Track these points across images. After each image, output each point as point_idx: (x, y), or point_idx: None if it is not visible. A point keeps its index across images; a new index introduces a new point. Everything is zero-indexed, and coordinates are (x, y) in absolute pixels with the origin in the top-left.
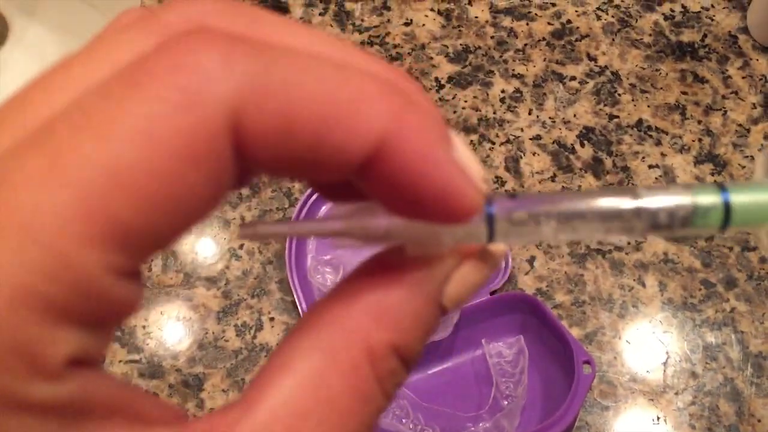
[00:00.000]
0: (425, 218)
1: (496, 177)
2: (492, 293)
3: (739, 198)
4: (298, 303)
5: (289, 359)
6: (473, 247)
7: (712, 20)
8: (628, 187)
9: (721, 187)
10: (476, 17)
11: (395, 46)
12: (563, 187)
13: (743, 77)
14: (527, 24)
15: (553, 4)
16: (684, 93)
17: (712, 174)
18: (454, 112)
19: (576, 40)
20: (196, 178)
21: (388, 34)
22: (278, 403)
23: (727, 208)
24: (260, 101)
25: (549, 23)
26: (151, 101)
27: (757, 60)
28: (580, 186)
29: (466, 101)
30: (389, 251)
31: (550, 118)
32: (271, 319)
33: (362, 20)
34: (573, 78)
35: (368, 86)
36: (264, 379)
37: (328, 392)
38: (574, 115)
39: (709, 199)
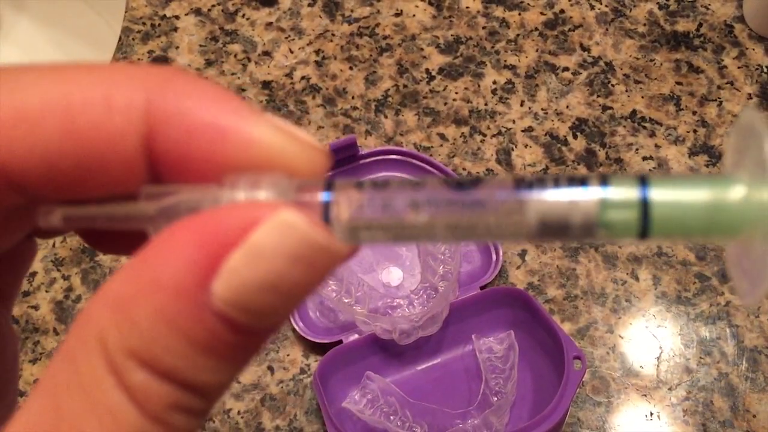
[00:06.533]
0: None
1: (488, 170)
2: (482, 288)
3: (664, 196)
4: None
5: (46, 367)
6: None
7: (708, 9)
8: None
9: (642, 181)
10: (467, 7)
11: (385, 38)
12: None
13: (739, 67)
14: (519, 14)
15: None
16: (679, 83)
17: (707, 165)
18: (445, 103)
19: (569, 30)
20: None
21: (378, 25)
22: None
23: (645, 209)
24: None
25: (542, 13)
26: None
27: (753, 50)
28: None
29: (457, 93)
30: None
31: (542, 109)
32: None
33: (351, 11)
34: (566, 69)
35: (118, 75)
36: (28, 396)
37: (72, 418)
38: (567, 107)
39: (621, 194)
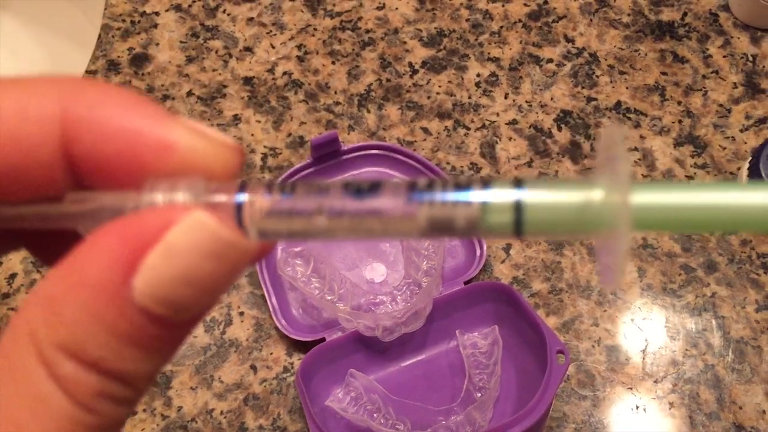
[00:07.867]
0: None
1: (471, 163)
2: (466, 283)
3: (537, 197)
4: (267, 297)
5: None
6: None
7: None
8: (405, 181)
9: (517, 183)
10: (450, 0)
11: (368, 31)
12: (540, 173)
13: (724, 56)
14: (503, 5)
15: None
16: (663, 74)
17: (693, 156)
18: (428, 97)
19: (553, 22)
20: None
21: (360, 18)
22: None
23: (518, 208)
24: None
25: (525, 4)
26: None
27: (739, 38)
28: (557, 171)
29: (440, 86)
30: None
31: (526, 101)
32: (241, 313)
33: (333, 4)
34: (550, 60)
35: (33, 88)
36: None
37: (6, 408)
38: (551, 99)
39: (500, 195)
